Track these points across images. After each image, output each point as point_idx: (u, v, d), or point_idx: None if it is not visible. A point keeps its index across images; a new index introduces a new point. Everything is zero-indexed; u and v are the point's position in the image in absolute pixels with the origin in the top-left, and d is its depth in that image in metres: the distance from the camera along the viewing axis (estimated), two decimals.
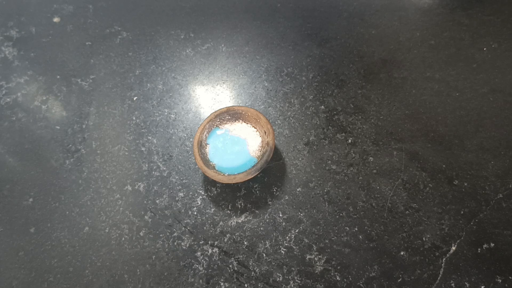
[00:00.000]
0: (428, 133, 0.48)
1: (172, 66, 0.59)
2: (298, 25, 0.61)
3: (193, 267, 0.42)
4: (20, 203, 0.48)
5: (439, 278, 0.39)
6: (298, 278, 0.40)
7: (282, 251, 0.42)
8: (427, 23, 0.58)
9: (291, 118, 0.52)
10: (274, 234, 0.43)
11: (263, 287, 0.40)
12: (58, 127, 0.54)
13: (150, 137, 0.52)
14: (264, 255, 0.42)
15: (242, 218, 0.45)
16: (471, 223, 0.42)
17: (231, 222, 0.44)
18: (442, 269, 0.39)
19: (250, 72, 0.57)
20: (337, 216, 0.44)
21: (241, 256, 0.42)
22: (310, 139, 0.50)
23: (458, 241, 0.41)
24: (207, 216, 0.45)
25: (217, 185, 0.47)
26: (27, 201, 0.48)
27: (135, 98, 0.56)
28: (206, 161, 0.45)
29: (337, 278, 0.40)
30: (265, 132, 0.46)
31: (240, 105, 0.53)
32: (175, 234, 0.44)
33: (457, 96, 0.51)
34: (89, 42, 0.63)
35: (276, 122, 0.51)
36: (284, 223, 0.44)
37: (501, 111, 0.49)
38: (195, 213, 0.45)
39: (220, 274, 0.41)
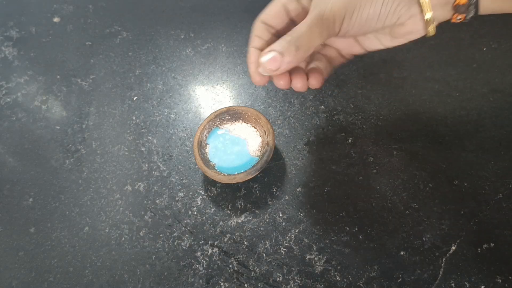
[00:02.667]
0: (428, 133, 0.48)
1: (172, 66, 0.59)
2: None
3: (193, 267, 0.42)
4: (20, 203, 0.48)
5: (439, 278, 0.39)
6: (298, 278, 0.40)
7: (282, 251, 0.42)
8: None
9: (291, 118, 0.52)
10: (274, 234, 0.43)
11: (263, 287, 0.40)
12: (58, 127, 0.54)
13: (150, 137, 0.52)
14: (264, 255, 0.42)
15: (242, 218, 0.45)
16: (471, 223, 0.42)
17: (231, 222, 0.44)
18: (442, 269, 0.39)
19: None
20: (337, 216, 0.44)
21: (241, 256, 0.42)
22: (310, 139, 0.50)
23: (458, 241, 0.41)
24: (207, 216, 0.45)
25: (217, 185, 0.47)
26: (27, 201, 0.48)
27: (135, 98, 0.56)
28: (206, 161, 0.45)
29: (337, 278, 0.40)
30: (265, 132, 0.46)
31: (240, 105, 0.53)
32: (175, 234, 0.44)
33: (457, 96, 0.51)
34: (89, 42, 0.63)
35: (276, 122, 0.51)
36: (284, 223, 0.44)
37: (501, 111, 0.49)
38: (195, 213, 0.45)
39: (220, 274, 0.41)
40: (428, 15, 0.30)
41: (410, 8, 0.30)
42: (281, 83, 0.33)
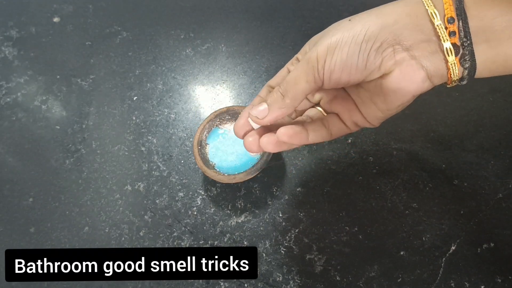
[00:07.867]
0: (428, 133, 0.48)
1: (172, 66, 0.59)
2: (298, 25, 0.61)
3: None
4: (20, 203, 0.48)
5: (439, 278, 0.39)
6: (298, 278, 0.40)
7: (282, 251, 0.42)
8: None
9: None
10: (274, 234, 0.43)
11: (263, 287, 0.40)
12: (58, 127, 0.54)
13: (150, 137, 0.52)
14: (264, 255, 0.42)
15: (242, 218, 0.45)
16: (471, 223, 0.42)
17: (231, 222, 0.44)
18: (442, 269, 0.40)
19: (250, 72, 0.57)
20: (337, 216, 0.44)
21: None
22: None
23: (458, 241, 0.41)
24: (207, 216, 0.45)
25: (217, 185, 0.47)
26: (27, 201, 0.48)
27: (135, 98, 0.56)
28: (206, 161, 0.45)
29: (337, 278, 0.40)
30: None
31: (240, 105, 0.53)
32: (175, 234, 0.44)
33: (457, 96, 0.51)
34: (89, 42, 0.63)
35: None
36: (284, 223, 0.44)
37: (501, 111, 0.49)
38: (195, 213, 0.45)
39: None
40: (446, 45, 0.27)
41: (395, 52, 0.28)
42: (250, 140, 0.34)
